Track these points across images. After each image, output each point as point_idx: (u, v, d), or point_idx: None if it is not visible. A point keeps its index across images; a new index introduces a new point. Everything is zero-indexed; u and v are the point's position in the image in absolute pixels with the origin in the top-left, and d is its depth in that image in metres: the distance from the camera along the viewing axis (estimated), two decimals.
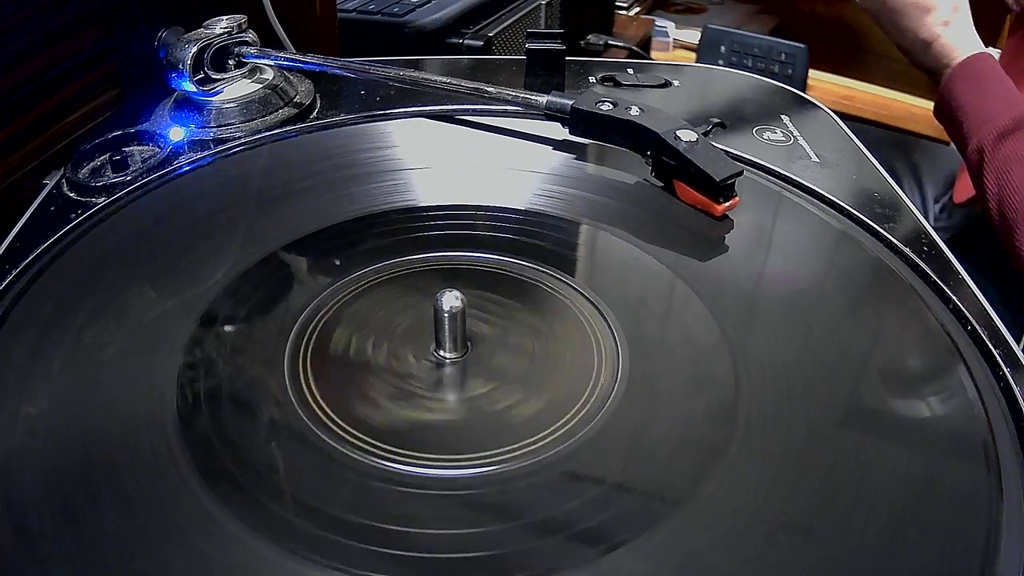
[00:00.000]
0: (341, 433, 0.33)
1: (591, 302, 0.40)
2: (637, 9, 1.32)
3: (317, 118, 0.55)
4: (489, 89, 0.53)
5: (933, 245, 0.44)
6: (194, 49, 0.51)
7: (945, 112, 0.72)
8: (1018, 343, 0.37)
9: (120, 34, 0.58)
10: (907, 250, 0.43)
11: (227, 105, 0.53)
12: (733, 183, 0.45)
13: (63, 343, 0.37)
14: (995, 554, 0.29)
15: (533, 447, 0.33)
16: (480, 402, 0.36)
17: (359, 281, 0.41)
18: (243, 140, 0.51)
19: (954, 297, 0.40)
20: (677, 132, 0.47)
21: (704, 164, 0.45)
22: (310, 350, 0.37)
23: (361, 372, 0.37)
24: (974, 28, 0.74)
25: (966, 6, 0.74)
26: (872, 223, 0.45)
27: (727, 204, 0.45)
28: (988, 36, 0.99)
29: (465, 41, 0.79)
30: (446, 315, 0.36)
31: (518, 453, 0.33)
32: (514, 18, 0.85)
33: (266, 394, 0.35)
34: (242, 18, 0.55)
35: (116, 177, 0.48)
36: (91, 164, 0.49)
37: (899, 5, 0.73)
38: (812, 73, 1.11)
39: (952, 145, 0.76)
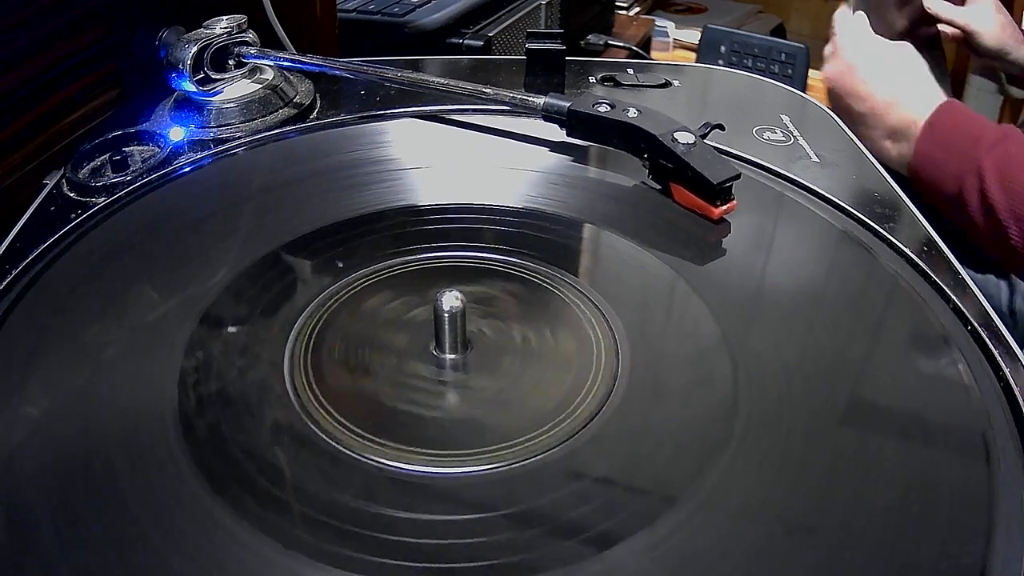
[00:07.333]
0: (341, 432, 0.33)
1: (591, 301, 0.40)
2: (637, 9, 1.32)
3: (317, 118, 0.55)
4: (487, 90, 0.53)
5: (933, 245, 0.44)
6: (194, 49, 0.51)
7: (929, 162, 0.65)
8: (1019, 344, 0.37)
9: (120, 34, 0.58)
10: (907, 250, 0.43)
11: (227, 105, 0.53)
12: (731, 186, 0.45)
13: (63, 343, 0.37)
14: (995, 554, 0.29)
15: (533, 446, 0.33)
16: (480, 401, 0.36)
17: (359, 281, 0.41)
18: (243, 140, 0.51)
19: (954, 297, 0.40)
20: (675, 134, 0.47)
21: (701, 167, 0.45)
22: (310, 349, 0.37)
23: (361, 372, 0.37)
24: None
25: None
26: (872, 223, 0.45)
27: (724, 207, 0.45)
28: None
29: (465, 41, 0.78)
30: (446, 315, 0.36)
31: (518, 452, 0.33)
32: (514, 18, 0.85)
33: (266, 394, 0.35)
34: (242, 18, 0.55)
35: (116, 177, 0.48)
36: (91, 164, 0.49)
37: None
38: (812, 73, 1.11)
39: None
